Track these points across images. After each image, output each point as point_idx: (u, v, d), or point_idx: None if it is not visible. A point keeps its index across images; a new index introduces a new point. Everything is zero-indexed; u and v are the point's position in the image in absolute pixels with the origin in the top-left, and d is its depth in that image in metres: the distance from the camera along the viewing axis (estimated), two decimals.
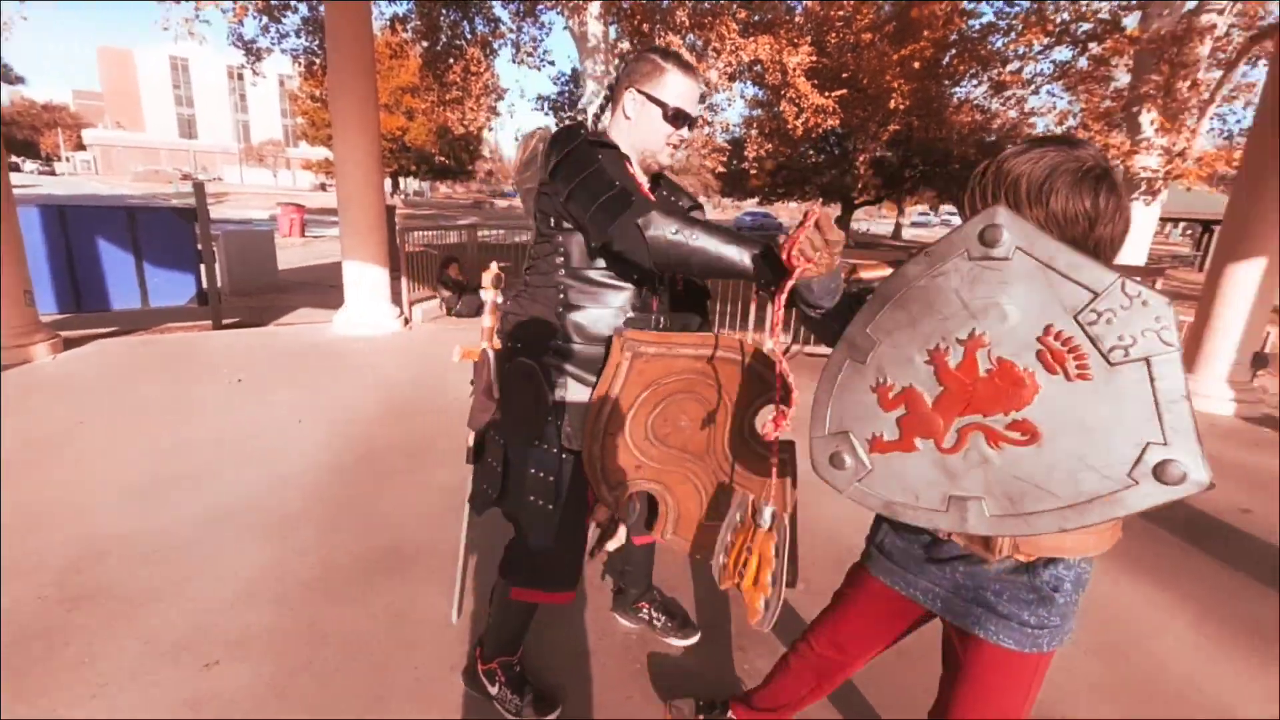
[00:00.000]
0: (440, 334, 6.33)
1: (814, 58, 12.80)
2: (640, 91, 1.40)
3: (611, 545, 1.83)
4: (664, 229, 1.15)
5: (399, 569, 2.41)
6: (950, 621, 1.07)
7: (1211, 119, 11.73)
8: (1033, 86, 12.89)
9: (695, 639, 2.04)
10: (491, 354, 1.51)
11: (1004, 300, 0.77)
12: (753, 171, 17.83)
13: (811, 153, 25.95)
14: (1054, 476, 0.76)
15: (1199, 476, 0.70)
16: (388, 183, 34.46)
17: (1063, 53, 12.03)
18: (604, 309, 1.39)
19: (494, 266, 1.59)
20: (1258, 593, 2.52)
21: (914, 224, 51.88)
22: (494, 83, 14.27)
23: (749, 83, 16.14)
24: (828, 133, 22.53)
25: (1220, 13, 9.11)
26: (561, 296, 1.40)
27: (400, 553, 2.51)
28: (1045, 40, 10.39)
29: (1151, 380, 0.71)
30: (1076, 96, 10.93)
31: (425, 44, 12.46)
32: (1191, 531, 2.96)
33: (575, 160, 1.30)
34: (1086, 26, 10.45)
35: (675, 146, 1.44)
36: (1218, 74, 9.15)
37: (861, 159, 15.26)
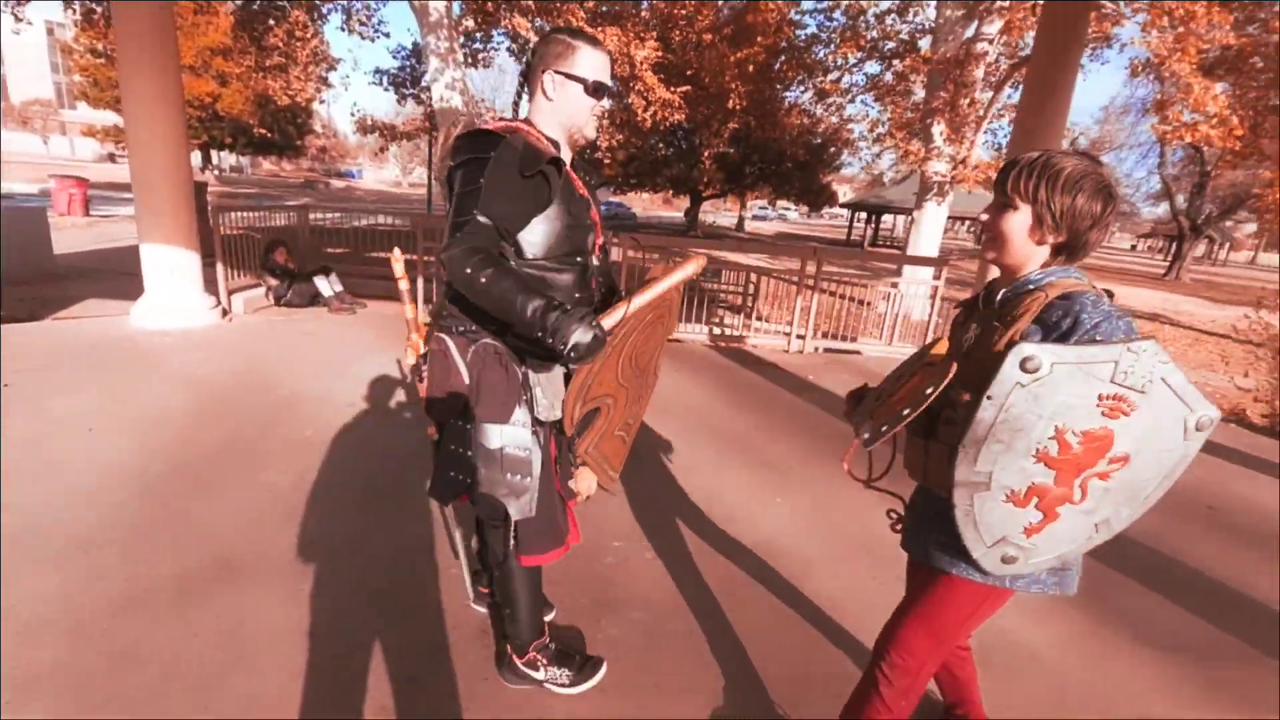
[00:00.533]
0: (267, 326, 5.75)
1: (660, 53, 13.23)
2: (558, 72, 1.46)
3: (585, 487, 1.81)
4: (460, 264, 1.32)
5: (226, 582, 2.21)
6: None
7: (985, 133, 13.80)
8: (849, 95, 14.36)
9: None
10: (452, 343, 1.54)
11: (1063, 398, 1.06)
12: (605, 161, 18.01)
13: (661, 146, 26.82)
14: (1148, 472, 1.12)
15: (1213, 414, 1.08)
16: (197, 156, 30.21)
17: (873, 67, 13.55)
18: (555, 291, 1.49)
19: (398, 252, 1.67)
20: None
21: (754, 217, 55.49)
22: (323, 51, 13.07)
23: None
24: (675, 127, 23.45)
25: (990, 41, 10.75)
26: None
27: (227, 564, 2.30)
28: (858, 54, 11.58)
29: (1167, 383, 1.05)
30: (884, 107, 12.32)
31: (238, 0, 11.10)
32: None
33: (466, 172, 1.40)
34: (891, 45, 11.80)
35: (599, 118, 1.54)
36: (989, 94, 10.80)
37: (707, 154, 16.04)
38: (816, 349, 6.09)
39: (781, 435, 4.03)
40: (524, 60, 1.55)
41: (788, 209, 60.02)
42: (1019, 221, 1.18)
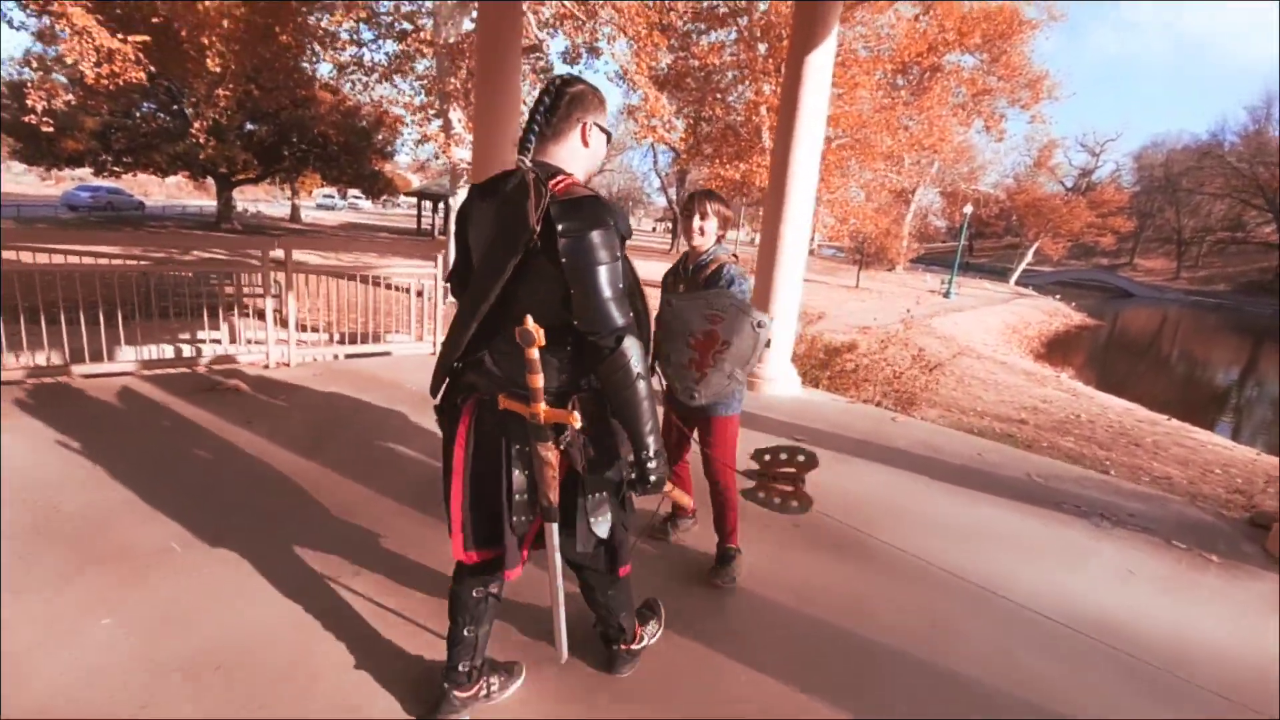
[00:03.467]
0: None
1: None
2: (596, 124, 1.53)
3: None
4: (638, 360, 1.40)
5: None
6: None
7: None
8: (376, 74, 13.49)
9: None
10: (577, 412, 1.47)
11: (690, 315, 2.19)
12: (48, 130, 13.18)
13: (158, 116, 21.23)
14: (743, 350, 2.13)
15: (766, 318, 2.13)
16: None
17: (391, 46, 12.96)
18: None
19: (530, 320, 1.33)
20: None
21: (319, 206, 49.85)
22: None
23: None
24: (157, 89, 18.69)
25: None
26: (573, 338, 1.44)
27: None
28: (354, 24, 10.78)
29: (737, 308, 2.12)
30: (394, 86, 11.91)
31: None
32: None
33: (605, 241, 1.36)
34: (403, 25, 11.36)
35: None
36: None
37: (198, 125, 13.07)
38: (315, 358, 5.19)
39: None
40: (546, 104, 1.46)
41: (359, 198, 55.65)
42: (712, 225, 2.27)
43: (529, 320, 1.31)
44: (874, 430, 4.42)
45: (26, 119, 12.90)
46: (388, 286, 6.15)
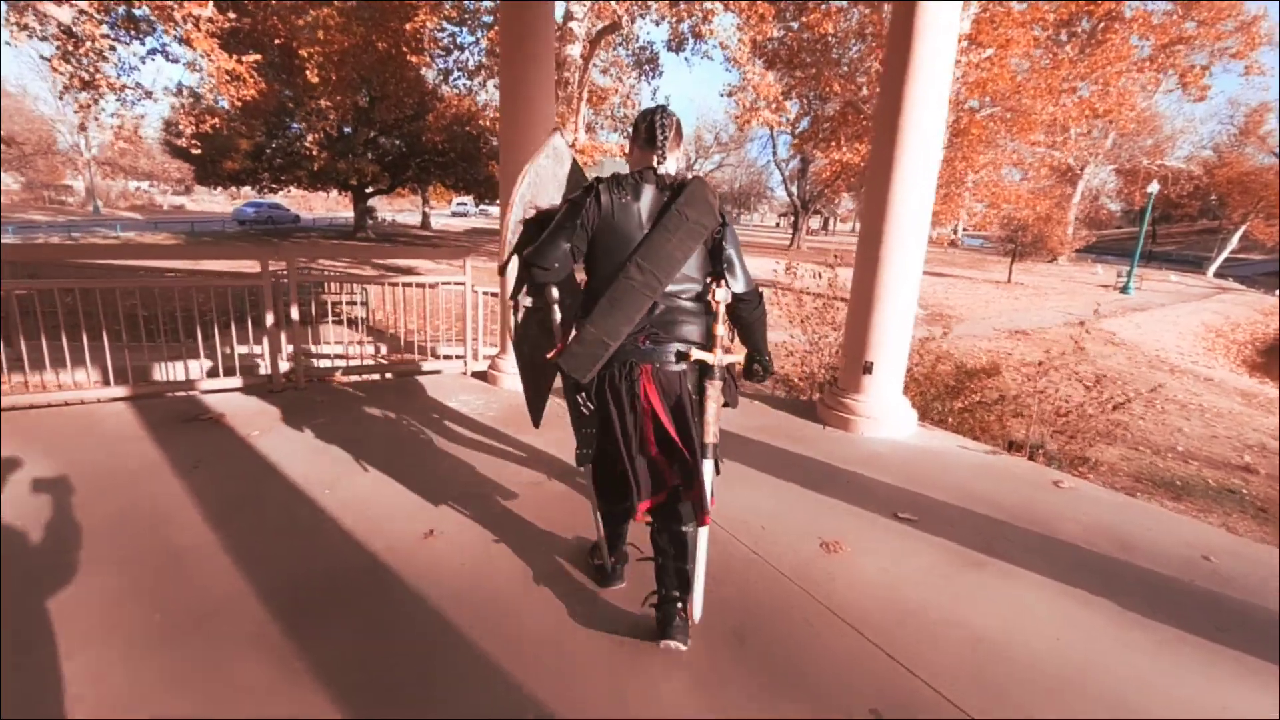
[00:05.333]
0: None
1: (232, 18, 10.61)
2: None
3: None
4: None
5: None
6: None
7: (604, 115, 13.90)
8: (479, 77, 13.38)
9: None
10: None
11: None
12: (197, 153, 14.40)
13: (302, 135, 23.06)
14: None
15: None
16: None
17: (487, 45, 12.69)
18: None
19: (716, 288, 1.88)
20: None
21: (453, 213, 53.00)
22: None
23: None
24: (300, 110, 20.08)
25: (581, 20, 10.59)
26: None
27: None
28: (445, 26, 10.52)
29: None
30: (495, 88, 11.58)
31: None
32: None
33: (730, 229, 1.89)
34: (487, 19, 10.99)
35: None
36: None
37: (311, 139, 13.64)
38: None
39: None
40: (673, 126, 1.83)
41: (489, 205, 58.51)
42: None
43: (716, 290, 1.83)
44: (1026, 505, 3.02)
45: (178, 142, 14.20)
46: (426, 288, 5.53)
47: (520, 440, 3.48)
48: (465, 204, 56.18)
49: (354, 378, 4.64)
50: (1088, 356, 7.34)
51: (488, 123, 14.50)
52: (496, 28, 10.92)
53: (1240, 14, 15.25)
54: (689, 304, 1.82)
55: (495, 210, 59.76)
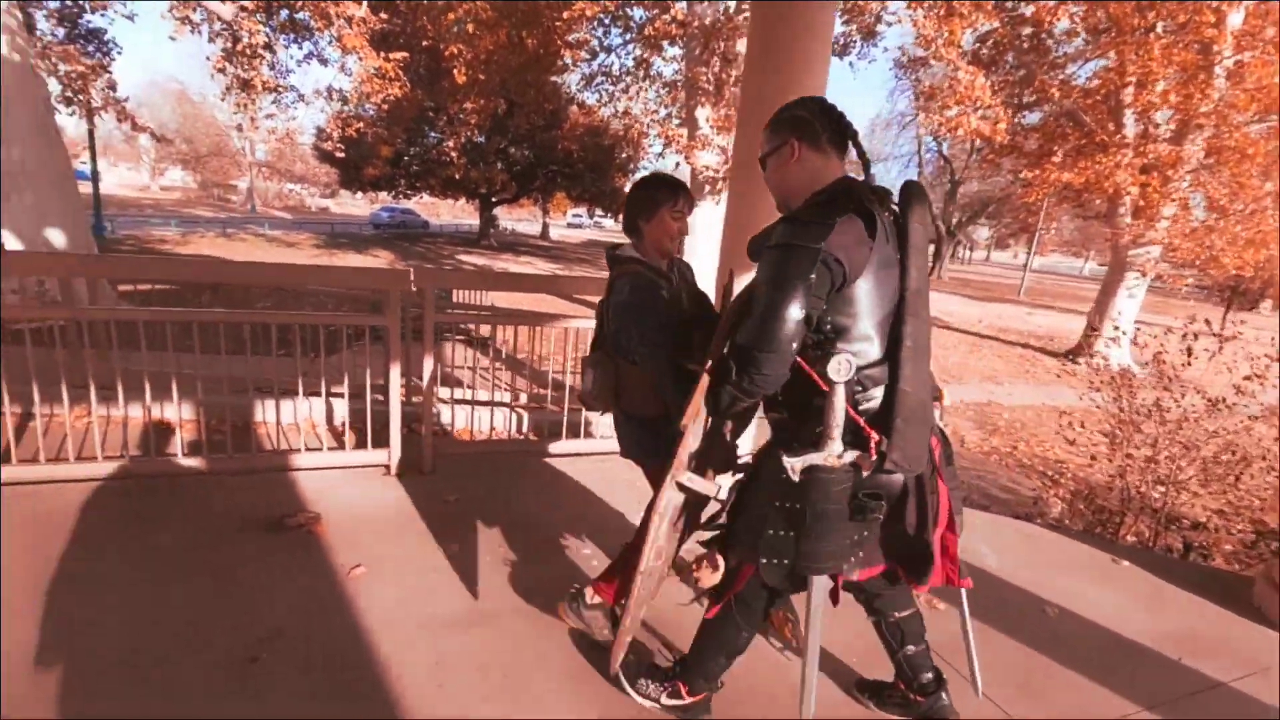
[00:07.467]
0: None
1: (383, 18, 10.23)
2: None
3: None
4: None
5: None
6: None
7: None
8: (623, 84, 12.33)
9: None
10: None
11: None
12: (341, 157, 14.39)
13: (442, 143, 23.37)
14: None
15: None
16: None
17: (637, 51, 11.60)
18: None
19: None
20: None
21: (569, 225, 53.54)
22: None
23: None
24: (439, 118, 20.15)
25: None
26: None
27: None
28: (598, 13, 9.39)
29: None
30: (640, 94, 10.44)
31: None
32: None
33: None
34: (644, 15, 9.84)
35: None
36: None
37: (451, 143, 13.19)
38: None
39: None
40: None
41: (603, 217, 58.76)
42: None
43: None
44: None
45: (325, 146, 14.22)
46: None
47: None
48: (580, 215, 56.62)
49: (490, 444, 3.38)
50: None
51: (632, 134, 13.23)
52: (655, 24, 9.77)
53: None
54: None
55: (610, 223, 60.13)
